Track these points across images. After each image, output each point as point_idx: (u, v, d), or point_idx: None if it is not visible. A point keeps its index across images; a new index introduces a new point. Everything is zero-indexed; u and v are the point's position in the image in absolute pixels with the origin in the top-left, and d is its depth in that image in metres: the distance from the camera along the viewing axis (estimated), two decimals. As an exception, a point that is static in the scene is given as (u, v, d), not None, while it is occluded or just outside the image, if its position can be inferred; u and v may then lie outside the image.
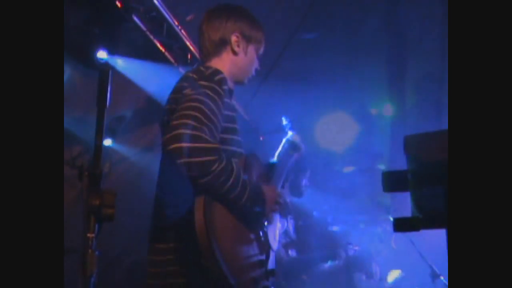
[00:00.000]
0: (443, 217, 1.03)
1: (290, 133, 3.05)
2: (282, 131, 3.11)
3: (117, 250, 5.67)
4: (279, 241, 2.45)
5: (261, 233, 2.22)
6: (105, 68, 1.68)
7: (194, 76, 2.11)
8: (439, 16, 5.63)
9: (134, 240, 5.87)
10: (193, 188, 1.97)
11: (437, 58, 5.99)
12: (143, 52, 4.07)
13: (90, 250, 1.48)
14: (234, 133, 2.19)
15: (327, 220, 5.54)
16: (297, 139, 2.96)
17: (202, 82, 2.06)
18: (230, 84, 2.28)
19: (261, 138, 5.96)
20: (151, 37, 3.96)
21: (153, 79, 4.30)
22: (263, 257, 2.20)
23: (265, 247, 2.22)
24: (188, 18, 4.13)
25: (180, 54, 4.34)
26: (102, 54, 3.62)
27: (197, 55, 4.40)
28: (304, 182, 4.68)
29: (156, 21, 3.93)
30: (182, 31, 4.15)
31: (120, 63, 3.83)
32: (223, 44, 2.30)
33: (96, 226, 1.51)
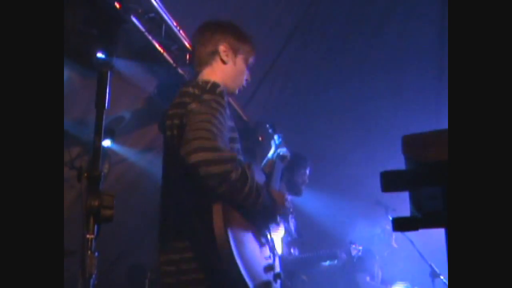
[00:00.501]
0: (442, 216, 1.03)
1: (275, 139, 3.26)
2: (270, 137, 3.31)
3: (117, 251, 5.67)
4: (285, 245, 2.59)
5: (269, 238, 2.38)
6: (104, 69, 1.68)
7: (196, 91, 2.22)
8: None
9: (133, 241, 5.87)
10: (211, 195, 2.09)
11: None
12: (142, 53, 4.08)
13: (89, 252, 1.47)
14: (235, 142, 2.29)
15: (327, 220, 5.55)
16: (284, 153, 3.17)
17: (206, 96, 2.17)
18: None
19: (260, 139, 5.96)
20: (150, 38, 3.96)
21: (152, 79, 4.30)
22: (272, 261, 2.34)
23: (273, 251, 2.37)
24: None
25: (178, 55, 4.34)
26: (100, 55, 3.61)
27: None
28: (302, 180, 4.70)
29: (155, 22, 3.94)
30: (181, 32, 4.15)
31: (119, 64, 3.83)
32: (213, 54, 2.43)
33: (95, 227, 1.50)
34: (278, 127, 3.33)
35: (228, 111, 2.24)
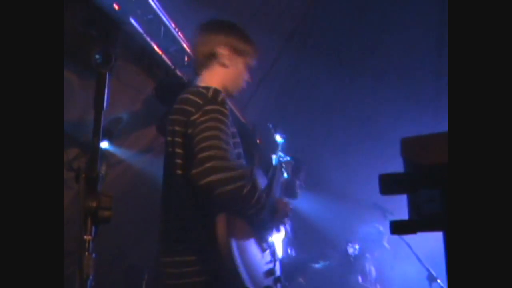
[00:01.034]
0: (440, 219, 1.03)
1: (278, 139, 3.18)
2: (272, 138, 3.23)
3: (114, 252, 5.65)
4: (285, 249, 2.60)
5: (270, 243, 2.39)
6: (103, 70, 1.67)
7: (197, 99, 2.17)
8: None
9: (130, 242, 5.86)
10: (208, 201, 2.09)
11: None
12: (140, 54, 4.08)
13: (87, 253, 1.47)
14: (237, 147, 2.28)
15: (324, 222, 5.55)
16: (285, 164, 3.09)
17: (208, 107, 2.13)
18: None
19: (258, 141, 5.96)
20: (148, 39, 3.96)
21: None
22: (272, 265, 2.34)
23: (273, 255, 2.38)
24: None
25: (177, 56, 4.34)
26: (99, 56, 3.60)
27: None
28: (299, 183, 4.70)
29: (153, 24, 3.94)
30: (179, 33, 4.15)
31: (118, 65, 3.83)
32: (212, 56, 2.38)
33: (93, 228, 1.50)
34: (280, 127, 3.25)
35: (230, 118, 2.22)
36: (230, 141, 2.11)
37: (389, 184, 1.05)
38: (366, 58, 6.21)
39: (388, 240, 5.68)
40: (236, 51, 2.41)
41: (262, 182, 2.43)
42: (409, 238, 4.74)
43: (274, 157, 3.14)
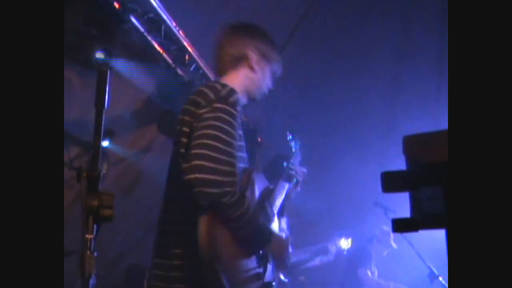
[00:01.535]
0: (442, 217, 1.03)
1: (293, 146, 3.09)
2: (287, 147, 3.15)
3: (116, 251, 5.66)
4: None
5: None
6: (103, 69, 1.67)
7: (210, 94, 2.15)
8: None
9: (132, 241, 5.86)
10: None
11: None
12: (141, 53, 4.07)
13: (88, 252, 1.47)
14: (241, 151, 2.26)
15: (323, 221, 5.55)
16: (297, 172, 2.94)
17: (217, 105, 2.11)
18: (243, 100, 2.39)
19: (259, 140, 5.96)
20: (149, 38, 3.96)
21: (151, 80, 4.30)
22: (261, 270, 2.27)
23: (263, 260, 2.29)
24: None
25: (178, 55, 4.34)
26: (100, 55, 3.61)
27: (195, 56, 4.40)
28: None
29: (154, 23, 3.93)
30: (180, 32, 4.14)
31: (118, 64, 3.83)
32: (241, 59, 2.38)
33: (95, 227, 1.50)
34: (298, 137, 3.16)
35: (239, 120, 2.20)
36: (231, 140, 2.07)
37: (391, 182, 1.04)
38: (368, 52, 6.21)
39: (394, 239, 5.68)
40: (265, 57, 2.42)
41: (261, 185, 2.39)
42: (411, 236, 4.75)
43: (285, 164, 3.02)
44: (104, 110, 1.63)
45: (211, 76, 4.48)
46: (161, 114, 4.72)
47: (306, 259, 4.76)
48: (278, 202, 2.66)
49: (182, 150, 2.16)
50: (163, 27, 3.99)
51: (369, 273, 5.54)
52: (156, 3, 3.78)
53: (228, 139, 2.05)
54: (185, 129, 2.17)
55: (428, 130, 1.02)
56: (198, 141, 2.02)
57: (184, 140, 2.16)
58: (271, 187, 2.61)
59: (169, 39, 4.14)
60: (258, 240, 2.23)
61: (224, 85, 2.20)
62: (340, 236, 5.02)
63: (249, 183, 2.25)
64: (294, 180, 2.89)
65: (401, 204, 1.42)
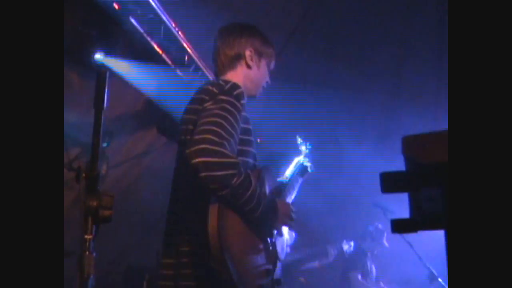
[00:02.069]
0: (441, 218, 1.03)
1: (303, 149, 3.18)
2: (296, 150, 3.21)
3: (116, 251, 5.66)
4: (286, 252, 2.53)
5: (270, 243, 2.33)
6: (103, 70, 1.67)
7: (214, 89, 2.22)
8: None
9: (131, 242, 5.86)
10: (210, 196, 2.07)
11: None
12: (141, 54, 4.07)
13: (87, 252, 1.47)
14: (250, 145, 2.30)
15: (322, 220, 5.55)
16: (308, 164, 3.08)
17: (222, 97, 2.17)
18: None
19: (258, 140, 5.95)
20: (149, 39, 3.96)
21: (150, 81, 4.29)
22: (270, 266, 2.29)
23: (273, 257, 2.32)
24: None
25: (177, 56, 4.34)
26: (99, 56, 3.61)
27: (194, 57, 4.40)
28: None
29: (154, 23, 3.93)
30: (180, 33, 4.15)
31: (118, 64, 3.83)
32: (237, 58, 2.43)
33: (94, 228, 1.50)
34: (308, 141, 3.23)
35: (244, 114, 2.24)
36: (234, 132, 2.09)
37: (391, 182, 1.04)
38: (367, 52, 6.20)
39: (387, 239, 5.68)
40: (259, 53, 2.46)
41: (271, 183, 2.41)
42: (410, 237, 4.74)
43: (296, 160, 3.10)
44: (103, 111, 1.62)
45: (211, 76, 4.48)
46: (160, 116, 4.71)
47: (301, 259, 4.76)
48: (290, 198, 2.70)
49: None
50: (162, 27, 4.00)
51: (360, 277, 5.53)
52: (155, 4, 3.78)
53: (230, 127, 2.08)
54: (190, 127, 2.20)
55: (428, 130, 1.02)
56: (201, 128, 2.05)
57: (189, 138, 2.17)
58: (284, 182, 2.68)
59: (168, 40, 4.14)
60: (269, 216, 2.24)
61: (227, 81, 2.28)
62: (343, 239, 5.02)
63: (259, 180, 2.26)
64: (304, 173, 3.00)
65: (400, 205, 1.42)
